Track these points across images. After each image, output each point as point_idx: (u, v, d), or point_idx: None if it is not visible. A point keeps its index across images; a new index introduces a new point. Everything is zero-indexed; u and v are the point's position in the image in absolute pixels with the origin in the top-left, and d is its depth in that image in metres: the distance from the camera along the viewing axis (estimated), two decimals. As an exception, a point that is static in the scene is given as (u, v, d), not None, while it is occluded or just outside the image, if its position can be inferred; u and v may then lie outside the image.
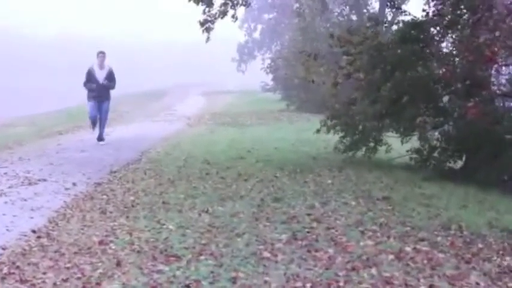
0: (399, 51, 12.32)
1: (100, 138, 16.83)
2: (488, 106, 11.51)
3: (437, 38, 12.57)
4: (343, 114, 13.69)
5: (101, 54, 16.66)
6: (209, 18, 16.62)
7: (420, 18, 12.44)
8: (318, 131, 14.02)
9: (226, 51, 71.48)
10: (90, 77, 16.50)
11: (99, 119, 16.79)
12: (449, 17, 11.97)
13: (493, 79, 12.37)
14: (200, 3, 16.16)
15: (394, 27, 13.86)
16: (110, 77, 16.63)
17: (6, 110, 34.17)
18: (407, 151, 12.54)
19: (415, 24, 12.39)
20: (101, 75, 16.50)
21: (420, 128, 12.21)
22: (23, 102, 42.22)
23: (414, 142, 12.62)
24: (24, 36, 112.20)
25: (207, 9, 16.43)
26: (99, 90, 16.44)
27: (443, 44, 13.07)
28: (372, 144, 13.39)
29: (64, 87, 13.35)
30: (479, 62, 11.09)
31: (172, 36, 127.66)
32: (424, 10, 12.42)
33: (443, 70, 11.94)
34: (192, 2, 16.03)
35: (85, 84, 16.56)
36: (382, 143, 13.40)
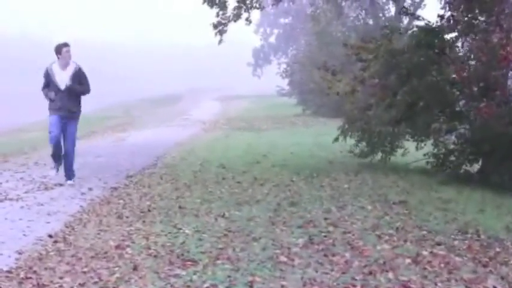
0: (414, 56, 12.27)
1: (69, 175, 11.63)
2: (504, 108, 11.44)
3: (452, 42, 12.49)
4: (359, 119, 13.66)
5: (65, 48, 11.26)
6: (222, 21, 16.64)
7: (435, 24, 12.40)
8: (337, 139, 13.98)
9: (241, 56, 71.65)
10: (48, 82, 11.43)
11: (64, 148, 11.52)
12: (465, 18, 11.91)
13: (509, 82, 12.29)
14: (214, 6, 16.19)
15: (409, 32, 13.80)
16: (79, 78, 11.34)
17: (8, 114, 34.31)
18: (424, 155, 12.49)
19: (429, 29, 12.34)
20: (62, 79, 11.27)
21: (435, 133, 12.18)
22: (25, 107, 42.32)
23: (430, 146, 12.57)
24: (24, 38, 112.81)
25: (220, 12, 16.44)
26: (62, 99, 11.23)
27: (458, 47, 13.00)
28: (388, 149, 13.34)
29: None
30: (493, 63, 11.04)
31: (185, 40, 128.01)
32: (439, 15, 12.38)
33: (458, 71, 11.85)
34: (205, 4, 16.08)
35: (43, 89, 11.52)
36: (399, 147, 13.35)
